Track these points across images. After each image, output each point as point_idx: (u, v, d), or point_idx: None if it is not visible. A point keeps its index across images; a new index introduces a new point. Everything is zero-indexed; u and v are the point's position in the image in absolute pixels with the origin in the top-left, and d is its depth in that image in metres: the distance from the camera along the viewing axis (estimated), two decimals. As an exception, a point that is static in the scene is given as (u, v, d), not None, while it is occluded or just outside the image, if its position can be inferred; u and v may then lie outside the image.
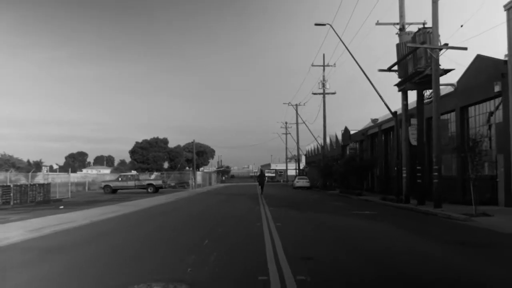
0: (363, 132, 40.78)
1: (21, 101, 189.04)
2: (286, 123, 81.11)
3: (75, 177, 57.10)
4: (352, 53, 25.35)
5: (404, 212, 18.56)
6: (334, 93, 46.97)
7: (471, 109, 21.49)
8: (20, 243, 10.42)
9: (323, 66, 45.91)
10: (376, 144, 37.34)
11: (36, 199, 27.81)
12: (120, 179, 43.62)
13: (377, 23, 22.38)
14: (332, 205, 22.90)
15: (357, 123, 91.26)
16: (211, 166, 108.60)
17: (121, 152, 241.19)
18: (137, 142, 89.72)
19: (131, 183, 42.58)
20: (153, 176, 60.90)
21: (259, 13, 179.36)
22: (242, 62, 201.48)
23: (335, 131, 55.15)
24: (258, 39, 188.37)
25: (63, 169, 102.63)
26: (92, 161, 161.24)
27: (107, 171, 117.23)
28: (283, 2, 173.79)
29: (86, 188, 51.20)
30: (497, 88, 18.20)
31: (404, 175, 21.71)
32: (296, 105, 64.09)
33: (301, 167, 75.44)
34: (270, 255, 8.08)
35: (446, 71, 18.96)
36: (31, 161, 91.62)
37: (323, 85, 46.14)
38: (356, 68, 38.65)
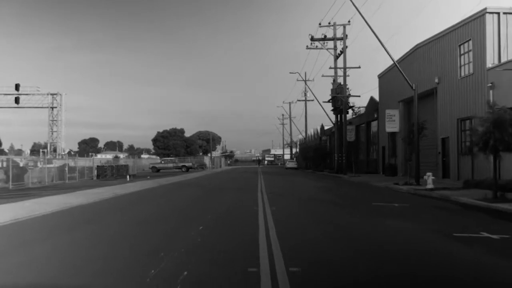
0: (330, 129, 59.40)
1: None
2: (283, 115, 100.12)
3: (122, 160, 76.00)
4: (317, 85, 43.72)
5: (330, 176, 37.29)
6: (312, 100, 65.52)
7: (372, 123, 40.16)
8: (172, 183, 29.15)
9: (305, 80, 64.37)
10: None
11: (123, 174, 46.63)
12: (162, 162, 62.59)
13: (323, 76, 40.99)
14: (298, 174, 41.76)
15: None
16: (217, 151, 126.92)
17: (128, 137, 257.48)
18: (158, 132, 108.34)
19: (170, 165, 61.31)
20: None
21: (266, 5, 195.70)
22: (243, 56, 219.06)
23: (317, 125, 73.87)
24: (264, 31, 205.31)
25: (79, 154, 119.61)
26: (102, 146, 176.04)
27: (120, 156, 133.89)
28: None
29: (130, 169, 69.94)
30: (375, 115, 36.87)
31: (336, 158, 40.56)
32: (290, 103, 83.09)
33: (293, 153, 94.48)
34: (259, 185, 26.97)
35: (350, 107, 37.83)
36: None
37: (305, 95, 64.84)
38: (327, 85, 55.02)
